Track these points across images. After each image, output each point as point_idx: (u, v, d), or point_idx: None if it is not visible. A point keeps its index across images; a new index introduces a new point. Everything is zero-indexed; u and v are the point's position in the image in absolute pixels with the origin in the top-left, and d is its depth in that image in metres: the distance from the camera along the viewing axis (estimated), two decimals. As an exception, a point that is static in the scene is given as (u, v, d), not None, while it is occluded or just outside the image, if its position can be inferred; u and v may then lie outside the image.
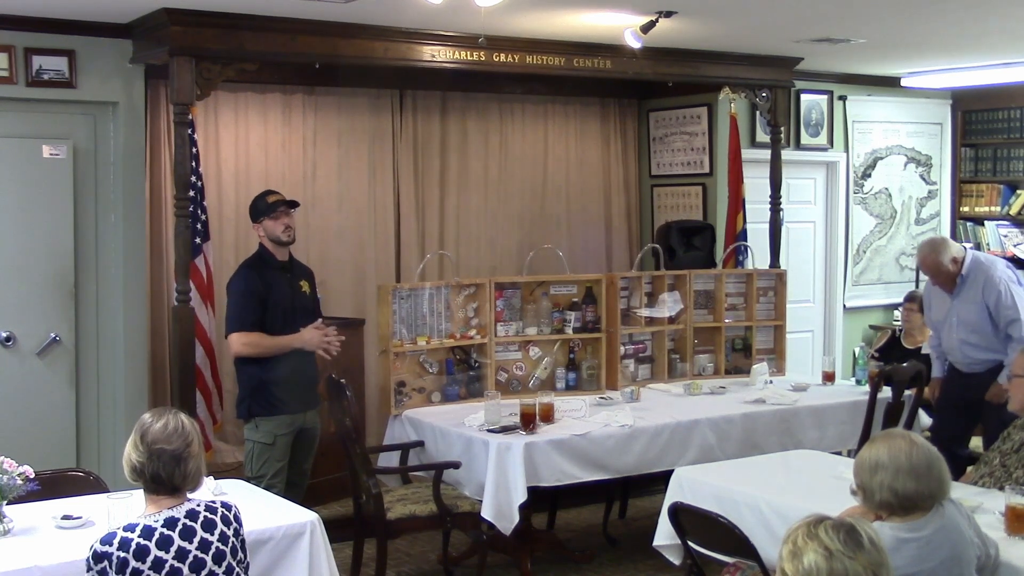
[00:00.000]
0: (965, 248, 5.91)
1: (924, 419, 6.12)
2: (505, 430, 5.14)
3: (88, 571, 2.93)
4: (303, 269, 5.45)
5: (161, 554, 2.92)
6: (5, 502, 3.55)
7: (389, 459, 5.55)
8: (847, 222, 8.55)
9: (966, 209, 8.87)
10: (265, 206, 5.18)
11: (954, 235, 8.90)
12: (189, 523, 3.00)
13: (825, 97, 8.30)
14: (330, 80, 6.91)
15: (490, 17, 5.28)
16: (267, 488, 4.66)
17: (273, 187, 6.87)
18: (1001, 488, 3.90)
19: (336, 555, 3.84)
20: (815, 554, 2.29)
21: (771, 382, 6.36)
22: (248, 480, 4.74)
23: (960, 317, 5.77)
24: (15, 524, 3.57)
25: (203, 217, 6.03)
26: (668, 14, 5.51)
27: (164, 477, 3.01)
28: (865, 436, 5.59)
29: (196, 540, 2.99)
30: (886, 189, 8.72)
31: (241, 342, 5.06)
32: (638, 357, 6.44)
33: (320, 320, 5.34)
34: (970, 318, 5.73)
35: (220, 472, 5.28)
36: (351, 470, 5.12)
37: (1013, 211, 8.47)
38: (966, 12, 5.70)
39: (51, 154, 5.77)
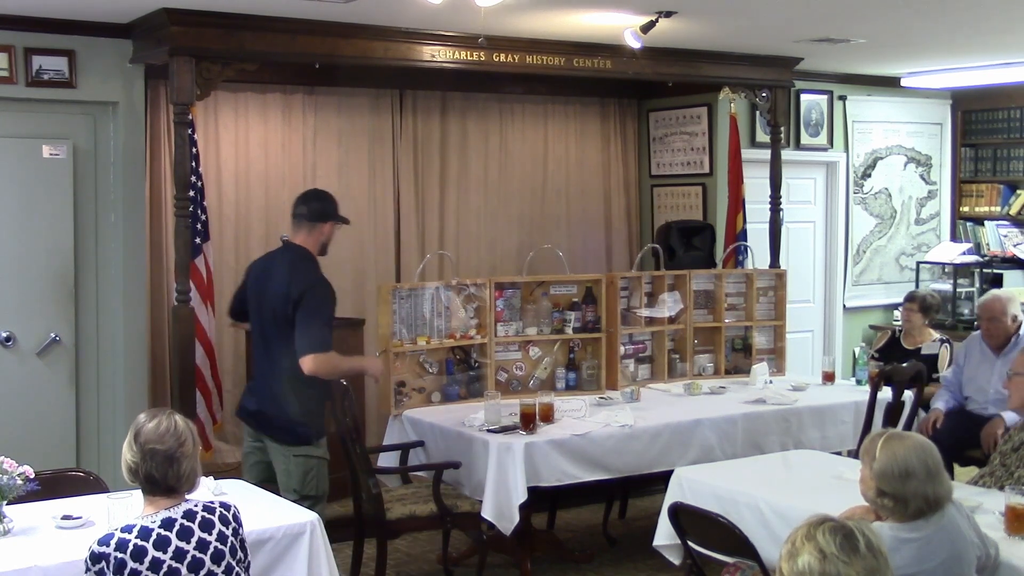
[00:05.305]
0: None
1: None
2: (505, 430, 5.13)
3: (86, 572, 2.93)
4: None
5: (159, 554, 2.92)
6: (5, 502, 3.54)
7: (389, 459, 5.54)
8: (847, 222, 8.54)
9: (966, 209, 8.88)
10: (337, 213, 4.81)
11: (954, 235, 8.91)
12: (186, 523, 3.00)
13: (825, 97, 8.30)
14: (330, 80, 6.91)
15: (490, 17, 5.27)
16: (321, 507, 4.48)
17: (273, 187, 6.95)
18: (1001, 488, 3.90)
19: (336, 555, 3.83)
20: (809, 556, 2.28)
21: (771, 382, 6.35)
22: (301, 501, 4.36)
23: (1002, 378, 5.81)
24: (15, 524, 3.56)
25: (203, 217, 6.04)
26: (668, 14, 5.51)
27: (158, 478, 3.01)
28: (865, 436, 5.58)
29: (194, 540, 2.99)
30: (886, 189, 8.72)
31: (322, 360, 4.49)
32: (638, 357, 6.44)
33: None
34: None
35: (220, 472, 5.27)
36: (351, 470, 5.12)
37: (1013, 211, 8.47)
38: (966, 12, 5.70)
39: (51, 154, 5.76)
